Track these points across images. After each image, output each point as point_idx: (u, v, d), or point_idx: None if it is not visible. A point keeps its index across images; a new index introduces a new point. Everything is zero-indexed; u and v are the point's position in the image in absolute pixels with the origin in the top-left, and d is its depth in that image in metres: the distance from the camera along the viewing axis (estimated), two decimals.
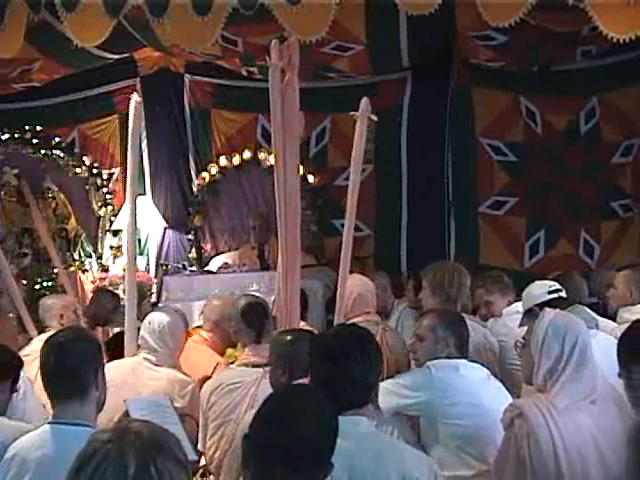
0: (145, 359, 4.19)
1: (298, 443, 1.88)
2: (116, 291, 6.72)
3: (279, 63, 3.76)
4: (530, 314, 4.07)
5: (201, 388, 4.05)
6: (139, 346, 4.29)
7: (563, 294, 4.26)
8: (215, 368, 4.55)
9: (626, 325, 4.36)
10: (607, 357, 3.71)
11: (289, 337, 3.41)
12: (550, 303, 4.05)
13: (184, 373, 4.25)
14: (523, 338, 3.06)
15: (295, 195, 3.91)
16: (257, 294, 5.07)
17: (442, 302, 4.29)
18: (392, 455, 2.33)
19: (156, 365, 4.17)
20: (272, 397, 2.09)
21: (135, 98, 4.56)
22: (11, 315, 5.37)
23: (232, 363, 4.32)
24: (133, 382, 4.02)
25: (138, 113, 4.56)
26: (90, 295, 6.87)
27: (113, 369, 4.14)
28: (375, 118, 4.41)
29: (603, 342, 3.89)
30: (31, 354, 4.29)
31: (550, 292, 4.22)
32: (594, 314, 4.26)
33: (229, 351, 4.92)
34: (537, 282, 4.40)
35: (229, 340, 4.76)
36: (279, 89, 3.78)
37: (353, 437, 2.22)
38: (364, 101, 4.33)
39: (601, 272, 6.02)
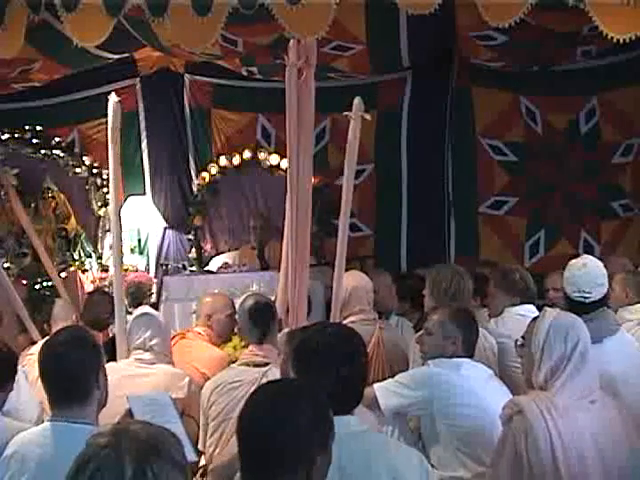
0: (137, 359, 4.19)
1: (275, 447, 1.85)
2: None
3: (297, 62, 3.77)
4: None
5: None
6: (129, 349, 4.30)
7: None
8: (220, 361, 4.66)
9: (627, 325, 4.40)
10: (623, 357, 3.71)
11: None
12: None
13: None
14: (522, 337, 3.06)
15: (307, 195, 3.90)
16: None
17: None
18: (382, 454, 2.31)
19: (150, 363, 4.17)
20: (250, 400, 2.01)
21: (113, 99, 4.61)
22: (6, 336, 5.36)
23: (234, 362, 4.33)
24: (129, 385, 4.00)
25: (117, 113, 4.59)
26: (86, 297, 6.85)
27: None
28: (369, 117, 4.40)
29: (620, 342, 3.88)
30: (35, 354, 4.30)
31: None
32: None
33: (230, 345, 5.00)
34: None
35: (224, 333, 4.98)
36: (296, 88, 3.79)
37: (343, 438, 2.18)
38: (357, 100, 4.34)
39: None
